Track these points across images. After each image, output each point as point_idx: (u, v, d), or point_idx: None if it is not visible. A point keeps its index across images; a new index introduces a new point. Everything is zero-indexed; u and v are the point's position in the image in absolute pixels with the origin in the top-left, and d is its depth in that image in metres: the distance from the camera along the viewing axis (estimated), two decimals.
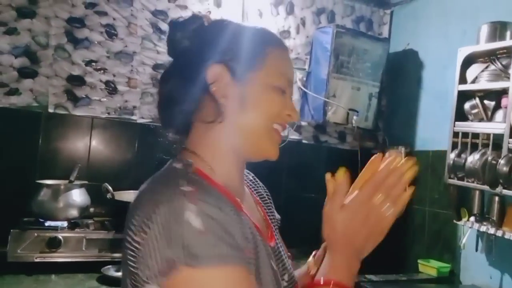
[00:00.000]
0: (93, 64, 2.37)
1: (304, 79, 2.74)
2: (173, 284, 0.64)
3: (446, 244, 2.38)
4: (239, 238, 0.68)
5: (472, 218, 2.08)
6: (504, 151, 1.82)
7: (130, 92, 2.44)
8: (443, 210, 2.40)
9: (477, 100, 2.04)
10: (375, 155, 0.83)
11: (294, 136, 2.76)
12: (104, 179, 2.23)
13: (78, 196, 2.13)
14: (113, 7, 2.39)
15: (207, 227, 0.65)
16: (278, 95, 0.82)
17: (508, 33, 2.01)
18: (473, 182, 1.97)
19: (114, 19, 2.40)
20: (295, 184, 2.68)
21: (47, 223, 2.05)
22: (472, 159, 1.95)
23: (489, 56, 2.02)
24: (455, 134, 2.09)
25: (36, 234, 1.93)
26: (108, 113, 2.40)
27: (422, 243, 2.53)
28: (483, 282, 2.17)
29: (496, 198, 1.99)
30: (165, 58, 2.49)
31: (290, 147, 2.49)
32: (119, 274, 1.87)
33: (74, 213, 2.11)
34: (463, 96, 2.09)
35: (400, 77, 2.86)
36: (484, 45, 2.04)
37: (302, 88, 2.71)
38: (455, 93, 2.11)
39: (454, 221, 2.17)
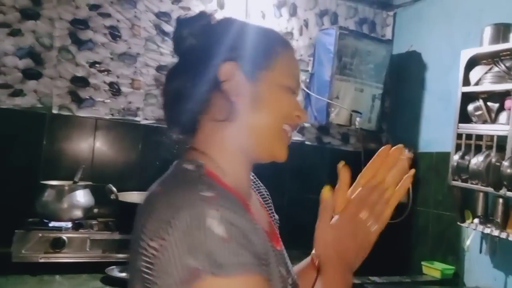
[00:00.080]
0: (97, 65, 2.38)
1: (307, 80, 2.74)
2: None
3: (450, 246, 2.38)
4: (258, 245, 0.68)
5: (476, 220, 2.07)
6: (508, 153, 1.82)
7: (134, 94, 2.45)
8: (447, 212, 2.39)
9: (481, 102, 2.03)
10: (382, 148, 0.85)
11: (297, 137, 2.76)
12: (108, 180, 2.24)
13: (82, 196, 2.14)
14: (116, 8, 2.40)
15: (230, 235, 0.64)
16: (289, 95, 0.82)
17: (511, 35, 2.01)
18: (477, 184, 1.96)
19: (117, 20, 2.41)
20: (298, 186, 2.68)
21: (51, 224, 2.06)
22: (476, 161, 1.95)
23: (493, 58, 2.01)
24: (459, 136, 2.09)
25: (40, 235, 1.94)
26: (112, 114, 2.41)
27: (426, 245, 2.52)
28: (487, 284, 2.17)
29: (500, 200, 1.99)
30: (168, 60, 2.50)
31: (293, 148, 2.48)
32: (123, 274, 1.88)
33: (78, 213, 2.12)
34: (467, 98, 2.09)
35: (404, 79, 2.86)
36: (488, 47, 2.04)
37: (305, 89, 2.71)
38: (459, 95, 2.11)
39: (458, 223, 2.17)
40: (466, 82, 2.09)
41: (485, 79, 2.02)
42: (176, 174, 0.77)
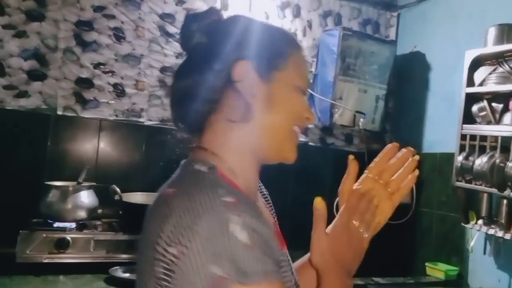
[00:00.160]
0: (101, 66, 2.39)
1: (311, 81, 2.74)
2: None
3: (454, 247, 2.37)
4: (276, 251, 0.68)
5: (480, 221, 2.06)
6: None
7: (138, 95, 2.46)
8: (451, 213, 2.39)
9: (485, 103, 2.03)
10: (391, 145, 0.86)
11: (300, 138, 2.75)
12: (112, 180, 2.25)
13: (86, 197, 2.15)
14: (121, 10, 2.41)
15: (253, 241, 0.63)
16: (300, 96, 0.81)
17: None
18: (481, 185, 1.95)
19: (122, 22, 2.42)
20: (302, 187, 2.67)
21: (56, 224, 2.07)
22: (480, 161, 1.94)
23: (497, 59, 2.01)
24: (463, 137, 2.08)
25: (44, 235, 1.95)
26: (116, 115, 2.42)
27: (430, 246, 2.51)
28: (491, 285, 2.16)
29: (504, 201, 1.98)
30: (172, 61, 2.51)
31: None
32: (127, 275, 1.89)
33: (82, 214, 2.13)
34: (471, 99, 2.08)
35: (407, 80, 2.86)
36: (492, 48, 2.03)
37: (309, 90, 2.71)
38: (463, 96, 2.10)
39: (462, 224, 2.16)
40: (470, 82, 2.09)
41: (489, 80, 2.02)
42: (189, 176, 0.74)
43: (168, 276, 0.64)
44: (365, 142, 2.84)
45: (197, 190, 0.68)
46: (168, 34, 2.50)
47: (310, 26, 2.81)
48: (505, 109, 1.96)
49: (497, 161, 1.87)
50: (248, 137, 0.78)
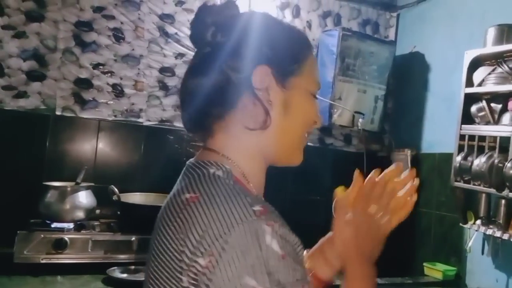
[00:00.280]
0: (101, 67, 2.39)
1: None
2: None
3: (452, 247, 2.37)
4: (301, 255, 0.68)
5: (478, 221, 2.06)
6: (511, 154, 1.81)
7: (137, 95, 2.46)
8: (449, 213, 2.39)
9: (484, 103, 2.03)
10: (373, 172, 0.87)
11: None
12: (111, 181, 2.25)
13: (84, 198, 2.15)
14: (120, 11, 2.42)
15: (285, 251, 0.63)
16: (313, 101, 0.81)
17: None
18: (479, 185, 1.95)
19: (121, 23, 2.42)
20: (301, 187, 2.68)
21: (54, 225, 2.07)
22: (479, 162, 1.94)
23: (496, 59, 2.01)
24: (462, 137, 2.08)
25: (42, 236, 1.95)
26: (115, 116, 2.42)
27: (428, 246, 2.51)
28: (489, 285, 2.15)
29: (503, 201, 1.98)
30: (171, 62, 2.51)
31: None
32: (125, 275, 1.89)
33: (80, 214, 2.13)
34: (470, 99, 2.08)
35: (407, 80, 2.86)
36: (491, 48, 2.03)
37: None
38: (462, 96, 2.10)
39: (460, 224, 2.16)
40: (469, 83, 2.09)
41: (488, 80, 2.02)
42: (207, 180, 0.71)
43: (197, 286, 0.62)
44: (364, 142, 2.84)
45: (222, 197, 0.66)
46: (168, 35, 2.50)
47: (309, 26, 2.81)
48: (504, 110, 1.96)
49: (496, 161, 1.86)
50: (262, 143, 0.77)
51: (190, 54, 2.53)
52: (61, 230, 2.03)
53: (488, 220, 2.04)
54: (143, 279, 1.83)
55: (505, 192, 1.83)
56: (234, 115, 0.76)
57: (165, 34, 2.50)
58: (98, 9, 2.38)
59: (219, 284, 0.60)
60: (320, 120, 0.83)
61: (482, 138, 2.00)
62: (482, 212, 2.09)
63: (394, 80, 2.79)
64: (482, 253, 2.14)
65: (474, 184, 1.98)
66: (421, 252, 2.54)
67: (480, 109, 2.04)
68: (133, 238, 2.07)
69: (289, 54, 0.78)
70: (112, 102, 2.41)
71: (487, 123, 2.01)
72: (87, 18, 2.36)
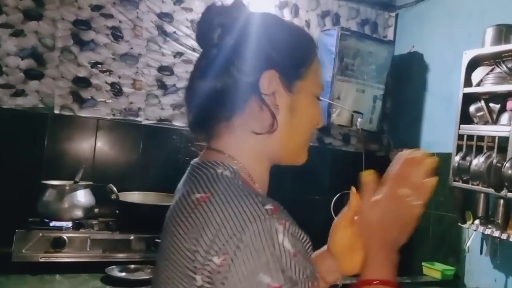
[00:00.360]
0: (99, 66, 2.39)
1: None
2: None
3: (450, 247, 2.37)
4: (309, 252, 0.69)
5: (477, 221, 2.07)
6: (510, 154, 1.81)
7: (135, 94, 2.46)
8: (448, 213, 2.39)
9: (482, 103, 2.03)
10: (403, 152, 0.83)
11: None
12: (109, 180, 2.25)
13: (83, 196, 2.15)
14: (119, 9, 2.41)
15: (296, 249, 0.64)
16: (318, 103, 0.82)
17: None
18: (478, 185, 1.96)
19: (120, 21, 2.42)
20: (299, 186, 2.68)
21: (52, 223, 2.07)
22: (477, 162, 1.94)
23: (495, 59, 2.01)
24: (460, 137, 2.08)
25: (41, 234, 1.94)
26: (113, 115, 2.42)
27: (427, 246, 2.52)
28: (487, 285, 2.16)
29: (501, 201, 1.98)
30: (170, 60, 2.51)
31: None
32: (123, 274, 1.89)
33: (78, 213, 2.12)
34: (468, 99, 2.08)
35: (405, 80, 2.86)
36: (490, 48, 2.04)
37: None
38: (460, 96, 2.10)
39: (459, 224, 2.16)
40: (468, 83, 2.09)
41: (486, 80, 2.02)
42: (216, 180, 0.71)
43: (212, 284, 0.63)
44: (362, 142, 2.85)
45: (233, 196, 0.67)
46: (166, 34, 2.50)
47: (308, 26, 2.81)
48: (502, 110, 1.96)
49: (494, 161, 1.87)
50: (267, 145, 0.78)
51: (189, 53, 2.53)
52: (60, 228, 2.02)
53: (487, 220, 2.05)
54: (142, 277, 1.81)
55: (504, 192, 1.83)
56: (241, 118, 0.76)
57: (163, 33, 2.50)
58: (96, 8, 2.37)
59: (234, 282, 0.61)
60: (322, 121, 0.84)
61: (480, 138, 2.00)
62: (480, 212, 2.09)
63: (392, 80, 2.79)
64: (481, 253, 2.15)
65: (472, 184, 1.98)
66: (420, 251, 2.55)
67: (478, 109, 2.05)
68: (132, 237, 2.07)
69: (296, 58, 0.78)
70: (110, 101, 2.41)
71: (486, 123, 2.01)
72: (85, 17, 2.36)
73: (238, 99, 0.75)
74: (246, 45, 0.76)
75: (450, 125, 2.17)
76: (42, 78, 2.29)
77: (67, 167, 2.29)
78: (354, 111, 2.64)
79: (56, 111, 2.31)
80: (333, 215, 2.59)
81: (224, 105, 0.76)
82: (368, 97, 2.69)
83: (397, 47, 2.85)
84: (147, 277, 1.90)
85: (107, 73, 2.40)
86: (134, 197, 2.31)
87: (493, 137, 1.93)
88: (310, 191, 2.67)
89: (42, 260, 1.91)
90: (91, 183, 2.22)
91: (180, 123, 2.52)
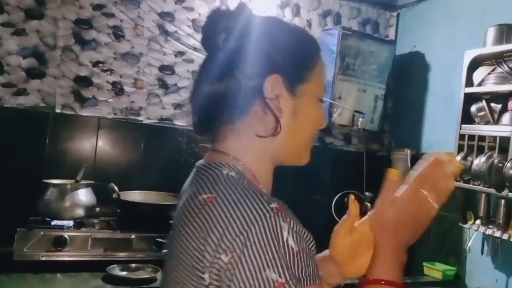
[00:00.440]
0: (100, 65, 2.39)
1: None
2: None
3: (451, 247, 2.37)
4: (313, 251, 0.70)
5: (478, 221, 2.06)
6: (511, 154, 1.81)
7: (137, 93, 2.46)
8: (449, 213, 2.38)
9: (484, 103, 2.03)
10: (430, 155, 0.83)
11: None
12: (110, 179, 2.25)
13: (84, 195, 2.15)
14: (120, 9, 2.41)
15: (300, 247, 0.65)
16: (320, 105, 0.83)
17: None
18: (479, 185, 1.96)
19: (121, 20, 2.42)
20: (300, 186, 2.68)
21: (53, 222, 2.07)
22: (478, 162, 1.94)
23: (496, 59, 2.01)
24: (461, 137, 2.08)
25: (42, 233, 1.94)
26: (115, 114, 2.42)
27: (428, 246, 2.51)
28: (488, 285, 2.16)
29: (502, 201, 1.98)
30: (171, 60, 2.51)
31: None
32: (124, 273, 1.89)
33: (80, 212, 2.13)
34: (470, 99, 2.08)
35: (406, 80, 2.86)
36: (491, 48, 2.03)
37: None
38: (462, 96, 2.10)
39: (460, 224, 2.16)
40: (469, 83, 2.09)
41: (488, 80, 2.02)
42: (221, 181, 0.73)
43: (220, 281, 0.64)
44: (363, 142, 2.84)
45: (239, 196, 0.68)
46: (167, 33, 2.50)
47: (309, 25, 2.81)
48: (504, 109, 1.96)
49: (495, 161, 1.87)
50: (271, 147, 0.79)
51: (190, 52, 2.54)
52: (61, 227, 2.02)
53: (488, 220, 2.04)
54: (143, 276, 1.81)
55: (505, 192, 1.83)
56: (245, 121, 0.78)
57: (165, 32, 2.50)
58: (97, 7, 2.37)
59: (242, 278, 0.62)
60: (325, 122, 0.85)
61: (481, 138, 2.00)
62: (481, 212, 2.09)
63: (394, 80, 2.79)
64: (482, 253, 2.14)
65: (473, 184, 1.98)
66: (421, 251, 2.54)
67: (480, 109, 2.04)
68: (133, 236, 2.07)
69: (300, 62, 0.79)
70: (111, 100, 2.41)
71: (487, 123, 2.01)
72: (86, 16, 2.36)
73: (243, 102, 0.77)
74: (250, 49, 0.77)
75: (451, 125, 2.16)
76: (44, 77, 2.29)
77: (68, 166, 2.30)
78: (355, 111, 2.64)
79: (58, 110, 2.32)
80: (334, 215, 2.60)
81: (229, 108, 0.77)
82: (369, 97, 2.69)
83: (398, 46, 2.85)
84: (148, 276, 1.90)
85: (109, 72, 2.41)
86: (135, 196, 2.32)
87: (495, 137, 1.93)
88: (311, 191, 2.67)
89: (43, 259, 1.91)
90: (92, 182, 2.22)
91: (181, 122, 2.52)
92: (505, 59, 1.97)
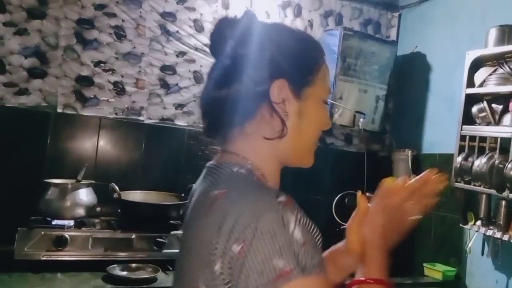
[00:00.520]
0: (102, 65, 2.39)
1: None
2: None
3: (452, 248, 2.37)
4: (318, 243, 0.74)
5: (478, 222, 2.06)
6: None
7: (138, 93, 2.46)
8: (449, 213, 2.39)
9: (485, 104, 2.03)
10: (427, 172, 0.94)
11: None
12: (111, 179, 2.25)
13: (85, 195, 2.15)
14: (122, 8, 2.42)
15: (306, 237, 0.69)
16: (325, 107, 0.87)
17: None
18: (480, 186, 1.96)
19: (123, 20, 2.42)
20: (301, 186, 2.67)
21: (54, 222, 2.07)
22: (479, 162, 1.94)
23: (497, 60, 2.01)
24: (462, 138, 2.08)
25: (43, 233, 1.95)
26: (116, 114, 2.42)
27: (428, 247, 2.51)
28: (489, 286, 2.16)
29: (503, 202, 1.98)
30: (173, 60, 2.51)
31: None
32: (124, 273, 1.89)
33: (81, 212, 2.13)
34: (471, 100, 2.08)
35: (408, 80, 2.86)
36: (492, 49, 2.03)
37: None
38: (463, 97, 2.10)
39: (461, 225, 2.16)
40: (471, 83, 2.08)
41: (489, 81, 2.02)
42: (232, 178, 0.78)
43: (232, 270, 0.67)
44: (364, 142, 2.84)
45: (249, 191, 0.74)
46: (169, 33, 2.50)
47: (311, 26, 2.81)
48: (505, 110, 1.96)
49: (496, 162, 1.86)
50: (278, 149, 0.83)
51: (192, 52, 2.54)
52: (62, 227, 2.03)
53: (488, 221, 2.04)
54: (143, 276, 1.82)
55: (506, 193, 1.83)
56: (253, 124, 0.81)
57: (166, 32, 2.50)
58: (99, 7, 2.38)
59: (251, 267, 0.66)
60: (329, 123, 0.89)
61: (482, 139, 2.00)
62: (482, 213, 2.09)
63: (395, 80, 2.79)
64: (482, 254, 2.14)
65: (474, 185, 1.98)
66: (421, 252, 2.54)
67: (481, 110, 2.04)
68: (133, 236, 2.07)
69: (304, 66, 0.83)
70: (113, 100, 2.42)
71: (488, 124, 2.01)
72: (88, 16, 2.36)
73: (250, 106, 0.81)
74: (257, 55, 0.81)
75: (453, 126, 2.16)
76: (45, 77, 2.30)
77: (69, 165, 2.30)
78: (356, 111, 2.64)
79: (59, 110, 2.32)
80: (335, 215, 2.60)
81: (237, 112, 0.81)
82: (371, 97, 2.69)
83: (399, 47, 2.85)
84: (148, 276, 1.90)
85: (110, 72, 2.41)
86: (136, 196, 2.32)
87: (495, 138, 1.93)
88: (312, 191, 2.67)
89: (44, 258, 1.91)
90: (93, 182, 2.22)
91: (182, 122, 2.53)
92: (507, 60, 1.97)
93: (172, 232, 2.13)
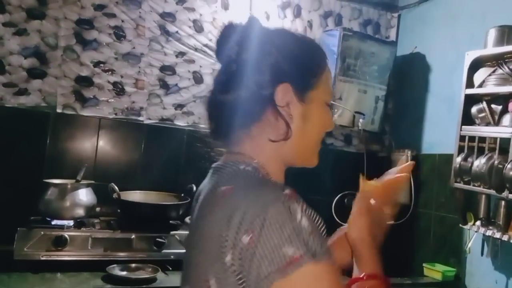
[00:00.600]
0: (101, 65, 2.39)
1: None
2: (299, 277, 0.68)
3: (451, 248, 2.37)
4: (323, 232, 0.76)
5: (478, 223, 2.06)
6: (511, 156, 1.81)
7: (138, 93, 2.46)
8: (449, 214, 2.39)
9: (484, 104, 2.03)
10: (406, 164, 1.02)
11: None
12: (111, 179, 2.25)
13: (84, 195, 2.15)
14: (121, 9, 2.42)
15: (312, 226, 0.71)
16: (328, 109, 0.89)
17: None
18: (479, 186, 1.96)
19: (122, 21, 2.42)
20: (300, 186, 2.66)
21: (54, 222, 2.07)
22: (479, 163, 1.94)
23: (497, 60, 2.01)
24: (462, 138, 2.08)
25: (42, 233, 1.95)
26: (116, 114, 2.42)
27: (428, 247, 2.52)
28: (488, 286, 2.16)
29: (503, 203, 1.98)
30: (172, 60, 2.51)
31: None
32: (124, 273, 1.89)
33: (80, 212, 2.13)
34: (470, 100, 2.08)
35: (407, 81, 2.86)
36: (492, 49, 2.03)
37: None
38: (462, 97, 2.10)
39: (460, 225, 2.16)
40: (470, 84, 2.09)
41: (488, 81, 2.02)
42: (239, 174, 0.81)
43: (242, 261, 0.69)
44: (364, 142, 2.85)
45: (255, 185, 0.77)
46: (168, 33, 2.50)
47: (310, 26, 2.81)
48: (504, 111, 1.96)
49: (496, 162, 1.87)
50: (282, 150, 0.86)
51: (191, 52, 2.54)
52: (61, 227, 2.02)
53: (488, 221, 2.04)
54: (143, 276, 1.81)
55: (505, 193, 1.83)
56: (258, 127, 0.84)
57: (166, 32, 2.50)
58: (99, 7, 2.38)
59: (261, 256, 0.68)
60: (333, 125, 0.92)
61: (482, 139, 2.00)
62: (481, 213, 2.09)
63: (394, 81, 2.79)
64: (482, 254, 2.14)
65: (474, 185, 1.98)
66: (421, 252, 2.55)
67: (480, 110, 2.04)
68: (133, 236, 2.07)
69: (308, 70, 0.86)
70: (112, 100, 2.42)
71: (487, 124, 2.01)
72: (88, 16, 2.36)
73: (256, 110, 0.83)
74: (262, 60, 0.83)
75: (452, 126, 2.17)
76: (45, 77, 2.30)
77: (69, 166, 2.30)
78: (356, 112, 2.64)
79: (59, 110, 2.32)
80: (334, 216, 2.60)
81: (243, 115, 0.84)
82: (370, 98, 2.69)
83: (399, 47, 2.85)
84: (148, 276, 1.90)
85: (110, 72, 2.41)
86: (135, 196, 2.32)
87: (495, 139, 1.93)
88: (312, 191, 2.64)
89: (44, 258, 1.91)
90: (92, 182, 2.22)
91: (182, 122, 2.53)
92: (506, 60, 1.97)
93: (172, 232, 2.13)
